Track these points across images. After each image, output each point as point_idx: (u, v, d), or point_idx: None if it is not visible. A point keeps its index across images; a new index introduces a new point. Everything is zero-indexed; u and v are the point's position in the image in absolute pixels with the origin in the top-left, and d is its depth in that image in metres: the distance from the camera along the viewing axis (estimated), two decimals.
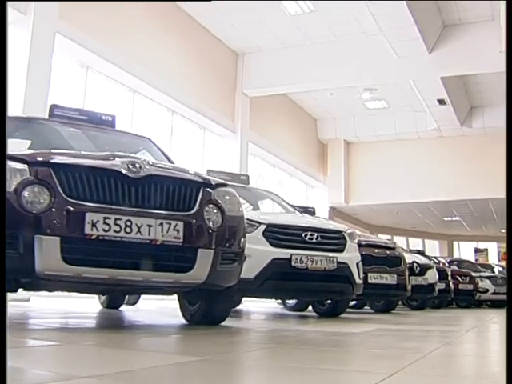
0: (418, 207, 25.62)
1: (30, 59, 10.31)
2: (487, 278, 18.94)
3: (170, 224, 4.11)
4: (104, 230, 3.87)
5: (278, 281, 7.00)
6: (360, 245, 10.35)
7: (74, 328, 4.80)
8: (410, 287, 10.93)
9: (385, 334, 4.70)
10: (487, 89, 19.64)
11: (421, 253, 14.88)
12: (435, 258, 17.96)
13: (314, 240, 7.26)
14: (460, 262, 19.81)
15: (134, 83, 13.90)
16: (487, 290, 18.44)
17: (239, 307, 9.71)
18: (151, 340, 3.77)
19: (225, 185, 4.89)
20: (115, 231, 3.90)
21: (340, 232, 7.69)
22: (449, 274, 15.16)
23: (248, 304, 12.53)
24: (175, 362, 2.58)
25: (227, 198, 4.74)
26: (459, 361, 3.19)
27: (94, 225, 3.84)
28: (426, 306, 13.71)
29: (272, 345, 3.73)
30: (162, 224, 4.07)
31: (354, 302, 13.47)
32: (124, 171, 4.09)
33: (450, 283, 14.95)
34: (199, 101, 15.76)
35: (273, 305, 12.95)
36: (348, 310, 9.25)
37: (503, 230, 28.61)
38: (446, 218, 28.83)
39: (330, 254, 7.30)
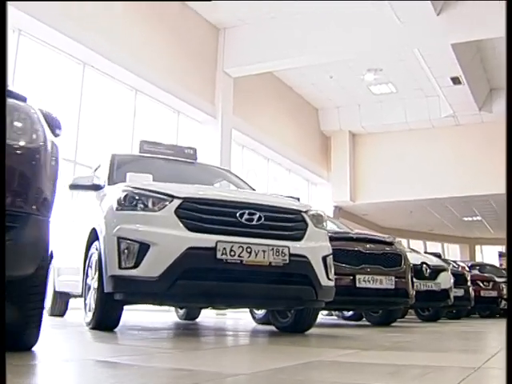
0: (434, 206, 23.27)
1: None
2: None
3: None
4: None
5: (195, 281, 4.70)
6: (346, 238, 8.22)
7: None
8: (413, 293, 8.56)
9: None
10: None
11: (437, 255, 12.84)
12: (455, 262, 16.14)
13: (255, 222, 4.99)
14: (482, 267, 18.41)
15: (85, 54, 11.66)
16: None
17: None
18: None
19: None
20: None
21: (297, 212, 5.37)
22: (468, 278, 13.22)
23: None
24: None
25: None
26: None
27: None
28: (439, 316, 11.94)
29: None
30: None
31: (350, 313, 11.34)
32: None
33: (470, 289, 13.07)
34: (171, 80, 13.54)
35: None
36: (343, 322, 8.15)
37: None
38: (465, 218, 26.56)
39: (280, 243, 5.02)
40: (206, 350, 3.88)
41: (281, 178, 19.86)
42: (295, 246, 5.07)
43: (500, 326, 10.19)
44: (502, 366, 3.03)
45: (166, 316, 10.16)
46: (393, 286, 7.95)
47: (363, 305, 8.22)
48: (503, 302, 15.70)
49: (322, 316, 13.25)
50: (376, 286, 7.79)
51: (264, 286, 4.96)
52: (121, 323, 5.09)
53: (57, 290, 7.55)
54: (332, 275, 5.52)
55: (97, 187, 5.90)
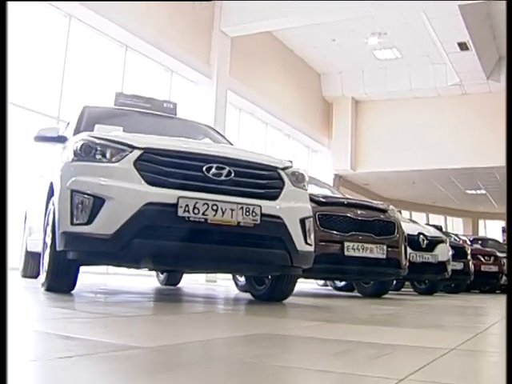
0: (437, 177, 22.66)
1: None
2: None
3: None
4: None
5: (152, 241, 4.21)
6: (336, 203, 7.72)
7: None
8: (406, 264, 8.06)
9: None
10: None
11: (438, 228, 12.33)
12: (456, 235, 15.60)
13: (224, 177, 4.48)
14: (484, 241, 17.97)
15: (71, 5, 11.06)
16: None
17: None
18: None
19: None
20: None
21: (273, 169, 4.86)
22: (468, 252, 12.74)
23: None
24: None
25: None
26: None
27: None
28: (436, 289, 11.46)
29: None
30: None
31: (342, 284, 10.90)
32: None
33: (470, 263, 12.58)
34: (164, 37, 12.93)
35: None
36: (334, 293, 7.67)
37: None
38: (469, 191, 25.94)
39: (251, 201, 4.51)
40: (146, 317, 3.38)
41: (280, 143, 19.26)
42: (268, 206, 4.57)
43: (498, 301, 9.73)
44: (483, 347, 2.54)
45: (148, 281, 9.69)
46: (384, 256, 7.45)
47: (351, 274, 7.73)
48: (504, 278, 15.25)
49: (319, 286, 12.85)
50: (366, 254, 7.30)
51: (231, 248, 4.47)
52: (90, 287, 4.58)
53: (28, 249, 7.14)
54: (311, 239, 5.01)
55: (62, 139, 5.40)
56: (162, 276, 8.86)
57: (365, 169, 21.53)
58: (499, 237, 27.80)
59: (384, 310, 5.09)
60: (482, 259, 14.68)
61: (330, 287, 12.13)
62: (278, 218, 4.61)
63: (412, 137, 20.45)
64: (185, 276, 9.78)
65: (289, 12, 13.75)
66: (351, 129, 21.62)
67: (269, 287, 5.39)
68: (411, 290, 11.75)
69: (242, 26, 14.48)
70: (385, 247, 7.46)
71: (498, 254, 15.30)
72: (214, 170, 4.42)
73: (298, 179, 5.01)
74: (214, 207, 4.29)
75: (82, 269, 4.69)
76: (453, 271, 10.92)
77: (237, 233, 4.42)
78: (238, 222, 4.38)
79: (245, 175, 4.59)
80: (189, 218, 4.21)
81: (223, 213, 4.32)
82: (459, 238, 15.39)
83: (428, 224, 15.58)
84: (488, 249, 15.93)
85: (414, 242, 9.88)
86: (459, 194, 26.42)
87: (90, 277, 8.99)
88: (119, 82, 12.49)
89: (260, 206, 4.49)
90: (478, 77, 18.32)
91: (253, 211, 4.44)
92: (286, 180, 4.84)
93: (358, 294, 8.88)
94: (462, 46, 15.82)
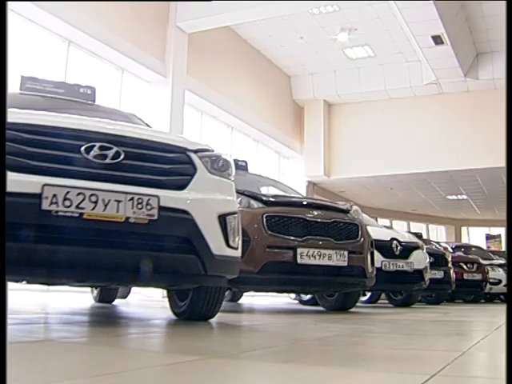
0: (416, 182, 21.72)
1: None
2: (500, 266, 16.20)
3: None
4: None
5: (9, 243, 3.04)
6: (287, 203, 6.66)
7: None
8: (373, 272, 7.01)
9: None
10: (498, 27, 15.47)
11: (418, 235, 11.55)
12: (438, 242, 15.35)
13: (109, 160, 3.41)
14: (467, 248, 17.23)
15: None
16: (500, 282, 15.63)
17: None
18: None
19: None
20: None
21: (181, 151, 3.79)
22: (449, 259, 11.97)
23: None
24: None
25: None
26: None
27: None
28: (413, 300, 10.37)
29: None
30: None
31: (308, 297, 9.78)
32: None
33: (451, 271, 11.78)
34: (113, 32, 11.84)
35: None
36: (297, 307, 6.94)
37: None
38: (450, 197, 24.96)
39: (146, 191, 3.40)
40: None
41: (247, 149, 18.15)
42: (170, 197, 3.48)
43: (482, 312, 8.71)
44: None
45: (83, 297, 8.59)
46: (345, 263, 6.39)
47: (307, 286, 6.61)
48: (488, 286, 14.73)
49: (291, 300, 11.74)
50: (323, 262, 6.22)
51: (117, 252, 3.36)
52: None
53: None
54: (236, 242, 3.93)
55: None
56: (95, 291, 7.79)
57: (340, 175, 20.48)
58: (483, 244, 27.06)
59: (326, 331, 3.93)
60: (465, 267, 14.06)
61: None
62: (185, 212, 3.52)
63: (388, 140, 19.46)
64: (137, 290, 8.79)
65: (242, 5, 12.76)
66: (324, 133, 20.54)
67: (189, 303, 4.29)
68: (387, 301, 10.74)
69: (199, 21, 13.40)
70: (346, 253, 6.40)
71: (482, 262, 14.72)
72: (96, 151, 3.33)
73: (219, 166, 3.92)
74: (93, 198, 3.20)
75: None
76: (432, 280, 10.15)
77: (125, 232, 3.33)
78: (127, 218, 3.29)
79: (139, 158, 3.49)
80: (57, 212, 3.11)
81: (105, 205, 3.24)
82: (440, 246, 14.44)
83: (410, 232, 14.71)
84: (471, 256, 15.22)
85: (386, 248, 8.95)
86: (440, 199, 25.41)
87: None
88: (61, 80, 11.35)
89: (158, 197, 3.40)
90: (455, 74, 17.34)
91: (147, 203, 3.36)
92: (200, 165, 3.75)
93: (322, 309, 7.79)
94: (437, 40, 14.82)
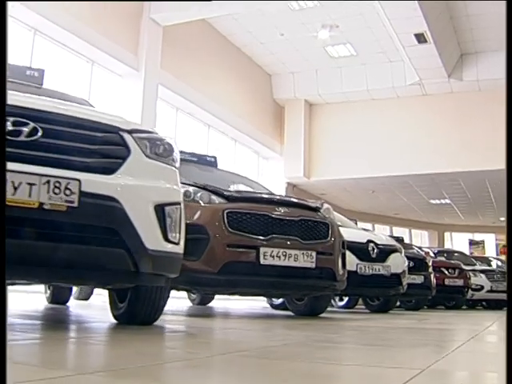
0: (397, 185, 21.36)
1: None
2: (482, 272, 16.15)
3: None
4: None
5: None
6: (251, 199, 6.16)
7: None
8: (344, 275, 6.53)
9: None
10: (483, 27, 15.14)
11: (399, 239, 11.24)
12: (419, 247, 14.69)
13: (25, 137, 2.96)
14: (450, 253, 17.01)
15: None
16: (482, 288, 15.61)
17: None
18: None
19: None
20: None
21: (113, 130, 3.34)
22: (429, 264, 11.61)
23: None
24: None
25: None
26: None
27: None
28: (390, 306, 10.02)
29: None
30: None
31: (279, 301, 9.27)
32: None
33: (431, 276, 11.43)
34: (83, 23, 11.35)
35: None
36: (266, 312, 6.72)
37: (502, 218, 25.16)
38: (433, 201, 24.64)
39: (65, 173, 2.89)
40: None
41: (225, 148, 17.66)
42: (94, 181, 2.99)
43: (462, 319, 8.29)
44: None
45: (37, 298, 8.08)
46: (313, 265, 5.91)
47: (271, 288, 6.10)
48: (470, 292, 14.54)
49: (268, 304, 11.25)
50: (289, 263, 5.73)
51: (28, 243, 2.86)
52: None
53: None
54: (178, 236, 3.43)
55: None
56: (48, 291, 7.34)
57: (320, 176, 20.05)
58: (466, 250, 26.80)
59: (275, 340, 3.43)
60: (446, 272, 13.71)
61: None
62: (112, 199, 3.02)
63: (369, 142, 19.07)
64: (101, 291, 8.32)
65: None
66: (304, 134, 20.12)
67: (127, 305, 3.79)
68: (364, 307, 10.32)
69: (174, 14, 12.92)
70: (314, 254, 5.91)
71: (464, 267, 14.41)
72: (8, 127, 2.83)
73: (160, 150, 3.43)
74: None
75: None
76: (412, 285, 9.87)
77: (38, 220, 2.83)
78: (41, 204, 2.80)
79: (60, 136, 2.99)
80: None
81: (15, 189, 2.75)
82: (422, 250, 14.10)
83: (392, 237, 14.40)
84: (453, 261, 14.90)
85: (362, 250, 8.52)
86: (423, 203, 25.07)
87: None
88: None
89: (79, 181, 2.90)
90: (439, 74, 16.97)
91: (66, 188, 2.86)
92: (135, 148, 3.26)
93: (293, 314, 7.30)
94: (420, 38, 14.42)
